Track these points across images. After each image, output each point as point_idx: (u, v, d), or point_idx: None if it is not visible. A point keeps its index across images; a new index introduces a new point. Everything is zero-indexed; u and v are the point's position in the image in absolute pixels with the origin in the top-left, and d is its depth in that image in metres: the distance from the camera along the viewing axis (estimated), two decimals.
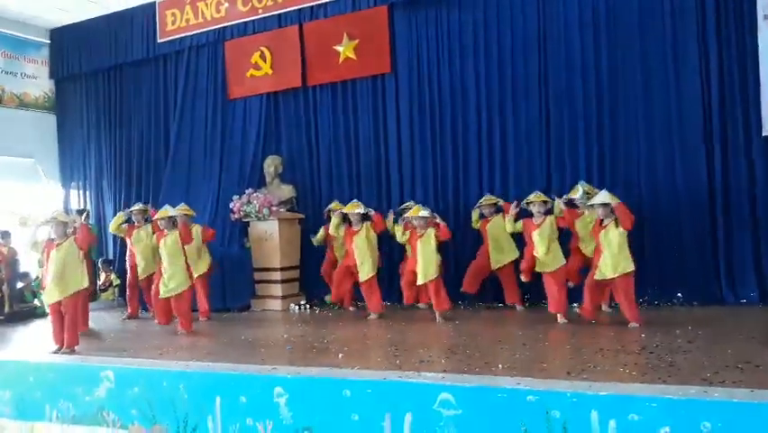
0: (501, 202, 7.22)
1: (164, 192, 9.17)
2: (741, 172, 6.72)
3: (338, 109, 8.63)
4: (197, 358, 5.30)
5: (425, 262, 6.67)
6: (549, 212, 6.53)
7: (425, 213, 6.78)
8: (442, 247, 7.06)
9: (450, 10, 8.01)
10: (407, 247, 7.25)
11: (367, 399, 4.01)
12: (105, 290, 9.44)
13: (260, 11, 8.95)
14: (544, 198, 6.52)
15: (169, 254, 6.82)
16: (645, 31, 7.07)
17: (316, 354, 5.38)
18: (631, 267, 5.83)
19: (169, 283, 6.81)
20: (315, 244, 8.08)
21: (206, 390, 4.55)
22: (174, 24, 9.60)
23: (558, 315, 6.21)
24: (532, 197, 6.53)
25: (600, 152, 7.30)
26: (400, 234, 7.13)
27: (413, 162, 8.18)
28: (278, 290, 8.21)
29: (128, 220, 8.10)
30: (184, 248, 6.94)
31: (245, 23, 9.11)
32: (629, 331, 5.59)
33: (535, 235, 6.31)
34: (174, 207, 7.46)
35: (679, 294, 6.88)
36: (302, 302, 8.19)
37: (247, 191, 8.34)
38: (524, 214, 6.70)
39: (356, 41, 8.32)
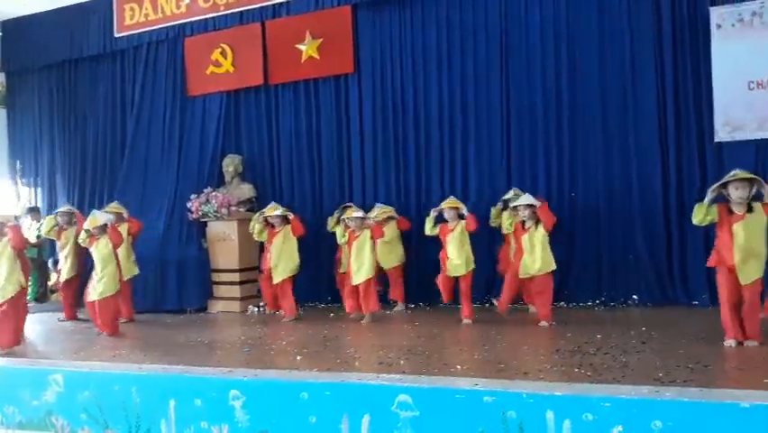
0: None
1: (119, 190, 8.94)
2: (694, 177, 6.89)
3: (300, 108, 8.55)
4: (151, 361, 5.18)
5: (358, 263, 6.73)
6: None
7: (358, 214, 6.87)
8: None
9: (413, 11, 8.01)
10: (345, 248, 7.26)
11: (325, 401, 3.98)
12: (55, 291, 9.16)
13: (221, 7, 8.81)
14: (454, 203, 6.61)
15: (101, 259, 6.72)
16: (604, 38, 7.20)
17: (274, 356, 5.32)
18: (552, 266, 6.10)
19: (99, 287, 6.69)
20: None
21: (160, 393, 4.44)
22: (132, 19, 9.38)
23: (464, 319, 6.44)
24: (444, 203, 6.65)
25: (560, 155, 7.40)
26: (340, 236, 7.11)
27: (375, 163, 8.15)
28: (236, 291, 8.08)
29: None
30: (116, 252, 6.82)
31: (206, 19, 8.95)
32: (584, 331, 5.66)
33: (448, 239, 6.48)
34: (131, 204, 7.30)
35: (634, 296, 7.02)
36: (261, 304, 8.07)
37: (205, 190, 8.20)
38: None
39: (319, 41, 8.26)
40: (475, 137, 7.74)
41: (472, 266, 6.57)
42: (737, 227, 4.77)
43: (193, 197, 8.20)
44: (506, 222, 6.70)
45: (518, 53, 7.56)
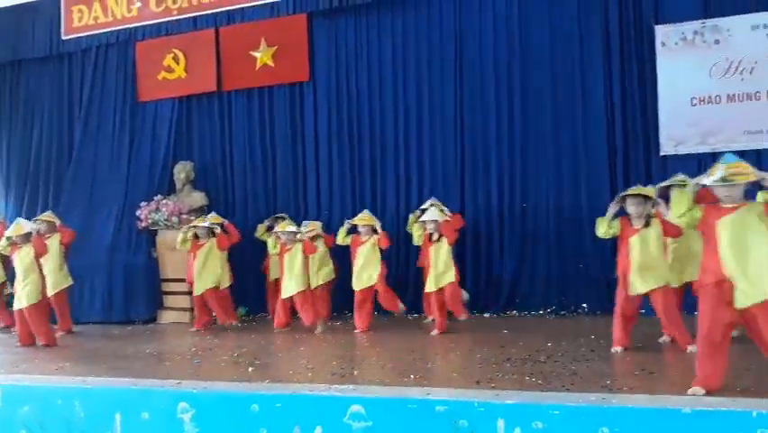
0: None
1: (66, 197, 8.68)
2: None
3: (254, 116, 8.47)
4: (96, 373, 5.01)
5: (289, 277, 6.75)
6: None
7: (291, 228, 6.88)
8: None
9: (369, 21, 8.05)
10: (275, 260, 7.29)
11: (276, 413, 3.91)
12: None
13: (174, 12, 8.68)
14: (369, 221, 6.72)
15: (23, 268, 6.55)
16: (555, 55, 7.38)
17: (225, 368, 5.22)
18: (453, 278, 6.31)
19: (22, 296, 6.53)
20: None
21: (105, 406, 4.29)
22: (81, 21, 9.13)
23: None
24: (358, 218, 6.79)
25: (512, 166, 7.53)
26: (272, 246, 7.12)
27: (330, 172, 8.14)
28: (187, 301, 7.90)
29: None
30: (39, 261, 6.63)
31: (158, 23, 8.80)
32: (537, 340, 5.75)
33: (358, 251, 6.62)
34: (77, 210, 7.09)
35: (584, 304, 7.18)
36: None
37: (155, 198, 8.03)
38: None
39: (274, 48, 8.21)
40: (429, 147, 7.82)
41: (374, 282, 6.71)
42: (633, 240, 4.97)
43: (143, 204, 8.01)
44: (416, 234, 6.81)
45: (472, 66, 7.68)
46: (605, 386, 3.97)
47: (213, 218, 7.41)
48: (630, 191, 5.06)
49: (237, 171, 8.54)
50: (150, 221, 7.94)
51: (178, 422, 4.08)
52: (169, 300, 8.02)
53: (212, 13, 8.52)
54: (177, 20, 8.69)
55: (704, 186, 3.79)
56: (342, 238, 6.98)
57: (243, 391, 4.21)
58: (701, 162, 6.90)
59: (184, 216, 7.91)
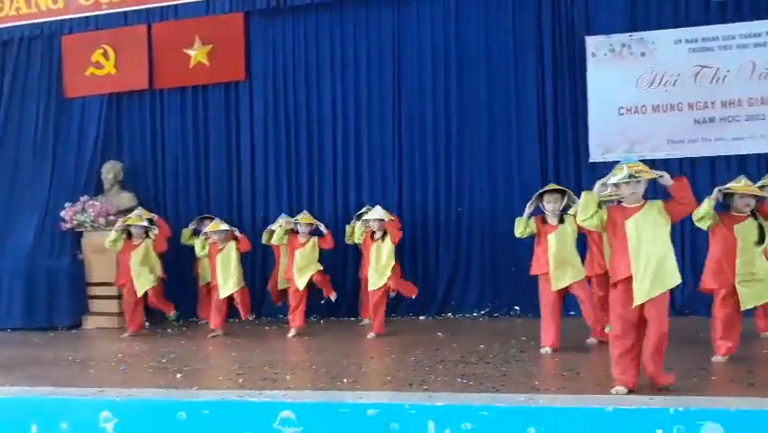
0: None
1: None
2: None
3: (187, 115, 8.25)
4: (11, 382, 4.75)
5: (225, 276, 6.63)
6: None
7: (224, 226, 6.76)
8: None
9: (307, 21, 7.98)
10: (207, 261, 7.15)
11: (203, 420, 3.80)
12: None
13: (103, 6, 8.34)
14: (309, 220, 6.72)
15: None
16: (491, 63, 7.52)
17: (152, 375, 5.04)
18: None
19: None
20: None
21: (20, 417, 4.06)
22: (1, 12, 8.66)
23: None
24: (300, 217, 6.76)
25: (448, 171, 7.62)
26: (200, 249, 6.94)
27: (266, 174, 8.02)
28: (114, 306, 7.61)
29: None
30: None
31: (87, 17, 8.43)
32: (469, 342, 5.82)
33: (297, 254, 6.57)
34: None
35: (516, 307, 7.32)
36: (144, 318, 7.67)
37: (81, 198, 7.70)
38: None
39: (209, 47, 8.03)
40: (368, 150, 7.81)
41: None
42: (551, 237, 5.17)
43: (67, 205, 7.68)
44: (357, 231, 6.81)
45: (410, 72, 7.73)
46: (533, 387, 4.06)
47: (143, 213, 7.16)
48: (547, 188, 5.24)
49: (169, 172, 8.29)
50: (75, 222, 7.61)
51: (100, 432, 3.90)
52: (96, 305, 7.71)
53: (144, 9, 8.24)
54: (106, 14, 8.36)
55: (614, 185, 3.90)
56: (279, 238, 6.83)
57: (169, 398, 4.08)
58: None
59: (111, 218, 7.61)
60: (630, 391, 3.78)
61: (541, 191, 5.27)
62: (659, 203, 3.87)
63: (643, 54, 7.16)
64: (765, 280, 4.57)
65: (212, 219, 7.28)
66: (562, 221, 5.20)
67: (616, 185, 3.89)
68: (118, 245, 7.06)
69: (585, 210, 3.90)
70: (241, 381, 4.66)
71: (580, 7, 7.28)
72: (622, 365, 3.84)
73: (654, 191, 4.53)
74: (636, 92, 7.16)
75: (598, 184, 3.95)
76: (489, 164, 7.51)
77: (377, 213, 6.47)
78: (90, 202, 7.65)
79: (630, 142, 7.16)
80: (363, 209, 7.08)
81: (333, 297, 6.81)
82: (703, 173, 6.85)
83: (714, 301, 4.72)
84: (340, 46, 7.89)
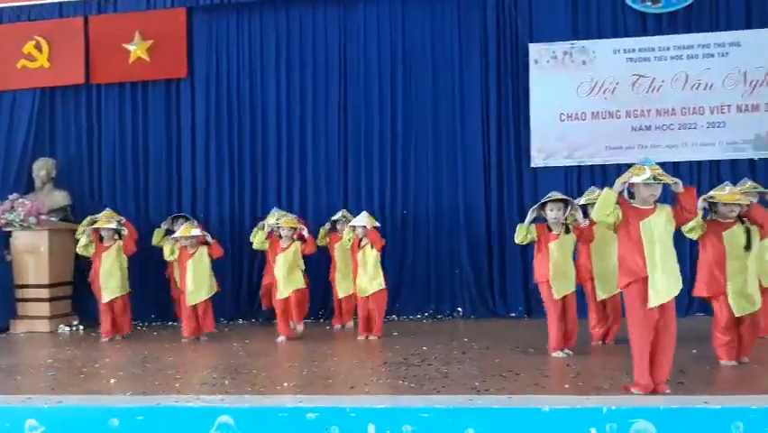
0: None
1: None
2: (513, 199, 7.45)
3: (126, 112, 7.99)
4: None
5: (197, 282, 6.45)
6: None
7: (196, 232, 6.53)
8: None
9: (252, 19, 7.85)
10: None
11: (137, 427, 3.68)
12: None
13: None
14: (293, 223, 6.57)
15: None
16: (437, 67, 7.57)
17: (84, 381, 4.84)
18: (382, 285, 6.26)
19: None
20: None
21: None
22: None
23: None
24: (282, 220, 6.59)
25: (393, 174, 7.64)
26: (168, 253, 6.66)
27: (207, 174, 7.84)
28: (45, 309, 7.29)
29: None
30: None
31: (19, 7, 8.07)
32: (413, 344, 5.84)
33: (279, 258, 6.42)
34: None
35: (459, 308, 7.40)
36: (74, 323, 7.39)
37: (11, 196, 7.33)
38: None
39: (150, 42, 7.81)
40: (313, 152, 7.75)
41: (302, 285, 6.50)
42: (552, 246, 5.17)
43: None
44: (345, 237, 6.66)
45: (356, 73, 7.71)
46: (474, 388, 4.09)
47: (109, 214, 6.92)
48: (551, 197, 5.20)
49: (105, 170, 8.01)
50: (3, 221, 7.25)
51: None
52: (26, 308, 7.36)
53: (80, 1, 7.94)
54: (39, 5, 8.02)
55: (632, 183, 3.89)
56: (259, 243, 6.62)
57: (101, 404, 3.92)
58: (568, 175, 7.38)
59: (43, 217, 7.30)
60: (652, 392, 3.77)
61: (544, 200, 5.23)
62: (668, 208, 3.92)
63: (584, 62, 7.36)
64: (755, 294, 4.61)
65: (187, 219, 7.04)
66: (567, 231, 5.17)
67: (634, 184, 3.88)
68: (90, 249, 6.77)
69: (605, 207, 3.87)
70: (178, 385, 4.53)
71: (524, 15, 7.42)
72: (644, 366, 3.80)
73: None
74: (577, 99, 7.35)
75: (618, 182, 3.94)
76: (433, 167, 7.57)
77: (362, 219, 6.35)
78: (20, 200, 7.30)
79: (570, 147, 7.35)
80: (338, 214, 6.98)
81: (299, 329, 6.52)
82: None
83: (714, 308, 4.74)
84: (285, 45, 7.80)
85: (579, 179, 7.26)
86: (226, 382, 4.61)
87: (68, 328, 7.28)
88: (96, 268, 6.79)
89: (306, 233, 6.52)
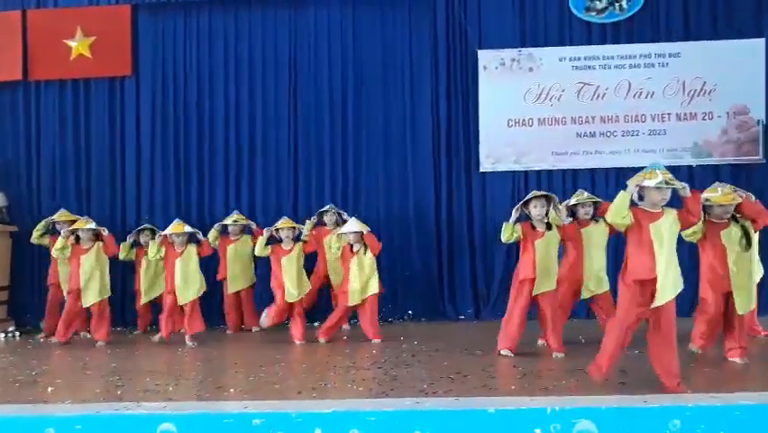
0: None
1: None
2: (462, 204, 7.53)
3: (67, 110, 7.72)
4: None
5: (186, 281, 6.29)
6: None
7: (187, 229, 6.39)
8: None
9: (200, 18, 7.70)
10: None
11: None
12: None
13: None
14: (292, 223, 6.54)
15: None
16: (387, 72, 7.60)
17: (19, 389, 4.63)
18: (376, 289, 6.22)
19: None
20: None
21: None
22: None
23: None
24: (280, 222, 6.54)
25: (345, 181, 7.62)
26: (154, 252, 6.46)
27: (153, 175, 7.65)
28: None
29: None
30: None
31: None
32: (362, 348, 5.84)
33: (284, 261, 6.32)
34: None
35: (409, 311, 7.43)
36: (10, 329, 7.08)
37: None
38: None
39: (92, 39, 7.57)
40: (262, 155, 7.66)
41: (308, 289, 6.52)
42: (538, 243, 5.24)
43: None
44: (334, 246, 6.58)
45: (307, 76, 7.67)
46: (422, 390, 4.10)
47: (66, 214, 6.76)
48: (534, 194, 5.30)
49: (44, 170, 7.71)
50: None
51: None
52: None
53: None
54: None
55: (643, 186, 3.97)
56: (261, 249, 6.51)
57: (37, 413, 3.75)
58: (516, 179, 7.51)
59: None
60: (671, 391, 3.90)
61: (527, 198, 5.31)
62: (674, 212, 4.02)
63: (531, 69, 7.50)
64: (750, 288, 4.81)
65: (153, 231, 6.78)
66: (549, 228, 5.25)
67: (643, 187, 3.97)
68: (67, 252, 6.49)
69: (621, 210, 3.96)
70: (119, 393, 4.39)
71: (473, 21, 7.52)
72: (605, 357, 4.02)
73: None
74: (524, 105, 7.48)
75: (631, 185, 4.01)
76: (384, 170, 7.58)
77: (353, 226, 6.26)
78: None
79: (517, 153, 7.47)
80: (312, 218, 6.94)
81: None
82: (584, 185, 7.21)
83: (702, 304, 4.91)
84: (234, 46, 7.69)
85: (526, 184, 7.37)
86: (170, 388, 4.50)
87: (3, 335, 6.98)
88: (74, 271, 6.48)
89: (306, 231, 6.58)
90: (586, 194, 5.85)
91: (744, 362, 4.77)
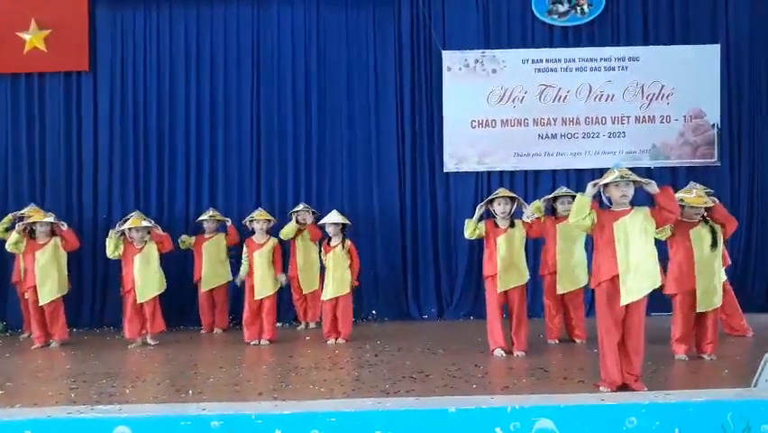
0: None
1: None
2: (426, 204, 7.55)
3: (20, 105, 7.47)
4: None
5: (145, 278, 6.14)
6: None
7: (146, 223, 6.25)
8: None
9: (160, 13, 7.55)
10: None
11: None
12: None
13: None
14: (267, 216, 6.48)
15: None
16: (352, 71, 7.57)
17: None
18: (348, 288, 6.16)
19: None
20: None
21: None
22: None
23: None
24: (256, 213, 6.49)
25: (308, 179, 7.57)
26: (113, 249, 6.22)
27: (111, 173, 7.46)
28: None
29: None
30: None
31: None
32: (325, 348, 5.80)
33: (255, 256, 6.24)
34: None
35: (373, 311, 7.41)
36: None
37: None
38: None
39: (47, 32, 7.35)
40: (224, 152, 7.55)
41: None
42: (500, 240, 5.28)
43: None
44: (288, 228, 6.65)
45: (270, 73, 7.58)
46: (384, 390, 4.10)
47: (33, 210, 6.51)
48: (499, 193, 5.35)
49: None
50: None
51: None
52: None
53: None
54: None
55: (605, 184, 4.04)
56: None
57: None
58: (479, 180, 7.56)
59: None
60: (619, 388, 3.94)
61: (491, 197, 5.36)
62: (646, 209, 4.05)
63: (494, 71, 7.56)
64: (720, 292, 4.91)
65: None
66: (512, 225, 5.30)
67: (606, 186, 4.03)
68: (21, 247, 6.24)
69: (580, 212, 4.02)
70: (73, 396, 4.29)
71: (437, 23, 7.55)
72: (611, 363, 3.98)
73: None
74: (487, 106, 7.54)
75: (590, 186, 4.06)
76: (348, 170, 7.56)
77: (333, 217, 6.20)
78: None
79: (480, 154, 7.52)
80: (301, 206, 6.93)
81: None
82: (545, 185, 7.33)
83: (673, 304, 4.98)
84: (195, 42, 7.56)
85: (489, 184, 7.42)
86: (127, 391, 4.40)
87: None
88: (29, 267, 6.25)
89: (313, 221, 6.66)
90: (565, 189, 5.94)
91: (711, 358, 4.88)
